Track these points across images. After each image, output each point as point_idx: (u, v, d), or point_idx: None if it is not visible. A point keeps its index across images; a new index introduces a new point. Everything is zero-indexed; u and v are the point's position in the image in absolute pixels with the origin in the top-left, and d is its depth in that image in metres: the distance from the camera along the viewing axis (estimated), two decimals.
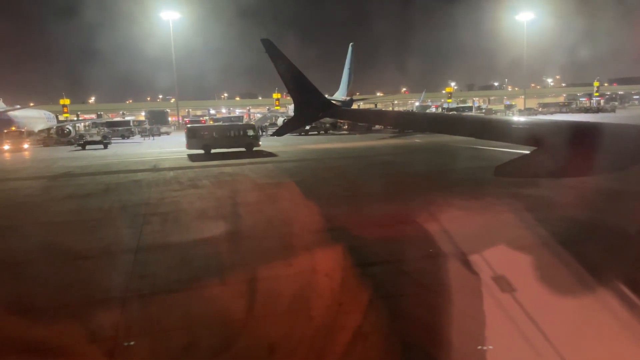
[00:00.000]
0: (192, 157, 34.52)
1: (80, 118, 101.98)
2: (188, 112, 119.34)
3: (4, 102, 61.25)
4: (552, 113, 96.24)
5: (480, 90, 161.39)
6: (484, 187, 17.70)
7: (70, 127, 64.46)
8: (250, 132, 38.55)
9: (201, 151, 36.55)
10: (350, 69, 65.54)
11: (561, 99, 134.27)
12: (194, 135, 37.52)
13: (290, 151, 38.23)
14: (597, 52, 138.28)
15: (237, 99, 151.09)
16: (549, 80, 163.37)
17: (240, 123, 70.64)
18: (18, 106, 64.63)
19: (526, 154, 7.59)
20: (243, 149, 36.96)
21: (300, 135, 57.82)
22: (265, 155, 35.05)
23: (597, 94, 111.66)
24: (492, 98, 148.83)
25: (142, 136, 70.82)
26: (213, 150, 36.68)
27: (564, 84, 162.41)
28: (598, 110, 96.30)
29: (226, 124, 59.60)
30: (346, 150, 38.35)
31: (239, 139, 37.52)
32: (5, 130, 54.14)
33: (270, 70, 13.34)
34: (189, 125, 48.67)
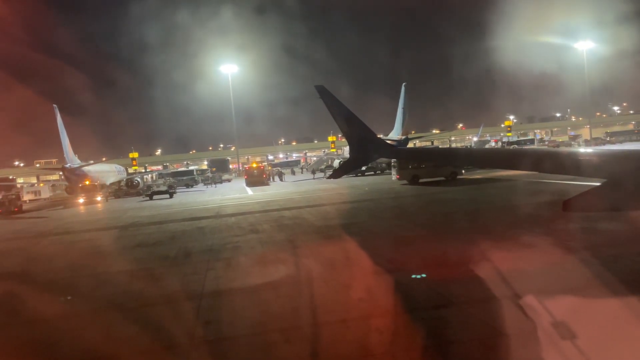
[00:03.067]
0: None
1: (147, 170, 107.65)
2: (248, 158, 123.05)
3: (79, 157, 65.30)
4: (621, 142, 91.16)
5: (542, 122, 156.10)
6: (555, 222, 16.85)
7: (138, 179, 67.99)
8: None
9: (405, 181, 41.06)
10: (404, 108, 65.48)
11: (630, 127, 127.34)
12: (404, 168, 41.82)
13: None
14: None
15: (294, 143, 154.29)
16: (615, 108, 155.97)
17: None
18: (92, 161, 68.81)
19: (596, 187, 7.23)
20: (443, 178, 40.47)
21: (356, 176, 57.84)
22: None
23: None
24: (554, 129, 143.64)
25: (205, 184, 73.43)
26: (421, 180, 40.34)
27: (631, 111, 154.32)
28: None
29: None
30: (406, 190, 37.90)
31: (443, 169, 40.75)
32: (80, 185, 57.87)
33: (325, 113, 13.63)
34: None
